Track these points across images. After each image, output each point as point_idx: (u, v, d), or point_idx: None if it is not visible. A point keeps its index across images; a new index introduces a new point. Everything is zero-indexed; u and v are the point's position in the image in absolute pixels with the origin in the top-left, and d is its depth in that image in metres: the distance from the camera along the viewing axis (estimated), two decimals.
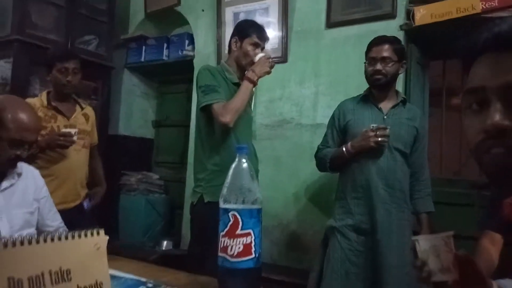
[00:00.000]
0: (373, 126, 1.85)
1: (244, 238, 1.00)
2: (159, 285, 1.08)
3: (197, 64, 3.27)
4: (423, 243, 0.84)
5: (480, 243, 1.49)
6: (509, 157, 0.58)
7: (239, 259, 0.99)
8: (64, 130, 2.24)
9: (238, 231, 1.00)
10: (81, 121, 2.41)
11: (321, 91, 2.77)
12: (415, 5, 2.47)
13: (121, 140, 3.80)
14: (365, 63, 2.00)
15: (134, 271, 1.20)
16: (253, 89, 2.06)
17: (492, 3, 2.20)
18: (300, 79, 2.86)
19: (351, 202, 1.94)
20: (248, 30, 2.05)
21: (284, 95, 2.92)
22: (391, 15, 2.54)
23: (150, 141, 4.09)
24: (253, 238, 1.01)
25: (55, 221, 1.68)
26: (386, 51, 1.93)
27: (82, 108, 2.45)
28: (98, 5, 3.51)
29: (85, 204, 2.42)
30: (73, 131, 2.23)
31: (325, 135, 2.12)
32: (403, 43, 2.16)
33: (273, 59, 2.11)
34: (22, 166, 1.56)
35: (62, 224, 1.72)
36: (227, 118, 1.87)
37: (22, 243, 0.56)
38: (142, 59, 3.72)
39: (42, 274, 0.57)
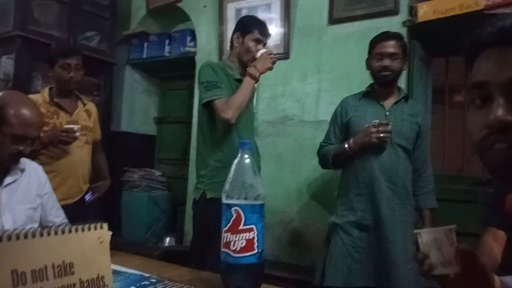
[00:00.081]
0: (375, 122, 1.84)
1: (247, 234, 1.00)
2: (162, 281, 1.08)
3: (199, 61, 3.26)
4: (425, 236, 0.84)
5: (483, 239, 1.49)
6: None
7: (242, 255, 0.99)
8: (66, 126, 2.24)
9: (241, 227, 1.00)
10: (83, 117, 2.41)
11: (323, 88, 2.77)
12: (418, 1, 2.46)
13: (123, 136, 3.80)
14: (367, 58, 1.99)
15: (137, 266, 1.20)
16: (255, 85, 2.06)
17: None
18: (303, 75, 2.86)
19: (353, 199, 1.94)
20: (250, 26, 2.05)
21: (286, 91, 2.92)
22: (394, 11, 2.53)
23: (152, 138, 4.09)
24: (256, 233, 1.01)
25: (58, 217, 1.68)
26: (394, 47, 1.92)
27: (84, 104, 2.45)
28: (100, 1, 3.51)
29: (87, 197, 2.43)
30: (75, 127, 2.23)
31: (327, 132, 2.12)
32: (406, 39, 2.15)
33: (275, 55, 2.11)
34: (25, 162, 1.57)
35: (65, 220, 1.72)
36: (229, 114, 1.87)
37: (26, 236, 0.56)
38: (144, 56, 3.72)
39: (45, 267, 0.57)
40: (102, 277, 0.65)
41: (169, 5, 3.53)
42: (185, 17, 3.53)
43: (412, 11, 2.46)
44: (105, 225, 0.69)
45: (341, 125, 2.04)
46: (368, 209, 1.89)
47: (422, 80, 2.69)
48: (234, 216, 1.00)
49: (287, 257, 2.77)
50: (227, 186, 1.04)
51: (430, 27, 2.46)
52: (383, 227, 1.85)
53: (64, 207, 1.78)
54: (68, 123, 2.29)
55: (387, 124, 1.83)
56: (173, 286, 1.04)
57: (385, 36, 1.95)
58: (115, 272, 1.12)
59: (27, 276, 0.55)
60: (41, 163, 1.81)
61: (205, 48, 3.34)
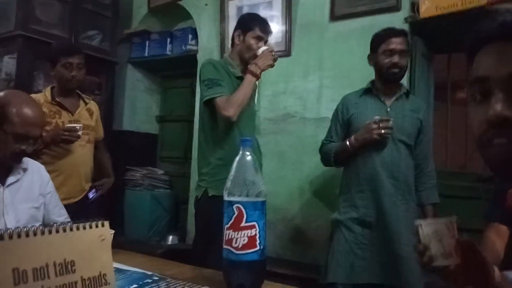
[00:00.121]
0: (376, 119, 1.84)
1: (249, 231, 1.00)
2: (164, 278, 1.09)
3: (201, 59, 3.26)
4: (425, 228, 0.84)
5: (485, 235, 1.48)
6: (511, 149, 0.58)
7: (244, 252, 0.99)
8: (68, 125, 2.25)
9: (243, 224, 1.00)
10: (85, 116, 2.41)
11: (325, 85, 2.76)
12: None
13: (125, 135, 3.81)
14: (372, 54, 1.97)
15: (140, 264, 1.21)
16: (257, 82, 2.06)
17: None
18: (304, 72, 2.85)
19: (356, 196, 1.94)
20: (251, 23, 2.04)
21: (288, 89, 2.91)
22: (396, 8, 2.51)
23: (154, 136, 4.10)
24: (258, 230, 1.01)
25: (60, 216, 1.69)
26: (402, 43, 1.91)
27: (86, 103, 2.45)
28: (102, 0, 3.51)
29: (91, 195, 2.43)
30: (77, 126, 2.23)
31: (329, 129, 2.12)
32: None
33: (277, 53, 2.10)
34: (28, 162, 1.57)
35: (68, 219, 1.73)
36: (231, 112, 1.87)
37: (27, 234, 0.56)
38: (146, 54, 3.72)
39: (47, 265, 0.57)
40: (104, 274, 0.65)
41: (171, 3, 3.53)
42: (186, 15, 3.52)
43: (414, 7, 2.45)
44: (107, 223, 0.69)
45: (343, 122, 2.03)
46: (370, 206, 1.89)
47: (424, 77, 2.68)
48: (236, 213, 1.01)
49: (289, 254, 2.77)
50: (228, 183, 1.04)
51: (432, 23, 2.45)
52: (386, 223, 1.85)
53: (67, 206, 1.79)
54: (70, 122, 2.29)
55: (388, 120, 1.83)
56: (175, 284, 1.04)
57: (394, 32, 1.94)
58: (117, 270, 1.12)
59: (28, 274, 0.55)
60: (44, 163, 1.81)
61: (206, 46, 3.34)
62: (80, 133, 2.22)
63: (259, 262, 1.02)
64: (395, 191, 1.88)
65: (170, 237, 3.33)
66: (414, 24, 2.48)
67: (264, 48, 2.01)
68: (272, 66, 2.02)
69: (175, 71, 3.92)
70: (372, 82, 2.03)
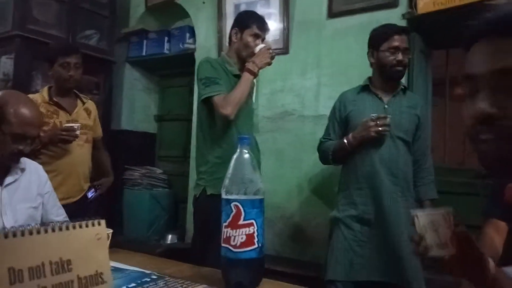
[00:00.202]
0: (373, 116, 1.83)
1: (247, 229, 1.00)
2: (162, 277, 1.09)
3: (199, 57, 3.25)
4: (422, 218, 0.84)
5: (484, 231, 1.49)
6: (499, 146, 0.60)
7: (242, 250, 0.99)
8: (66, 125, 2.24)
9: (241, 222, 1.00)
10: (83, 116, 2.41)
11: (323, 82, 2.76)
12: None
13: (124, 135, 3.81)
14: (373, 51, 1.96)
15: (139, 263, 1.21)
16: (254, 80, 2.05)
17: None
18: (302, 70, 2.85)
19: (354, 193, 1.94)
20: (248, 21, 2.04)
21: (286, 86, 2.91)
22: (393, 4, 2.51)
23: (152, 136, 4.10)
24: (256, 228, 1.01)
25: (59, 216, 1.68)
26: (406, 41, 1.91)
27: (83, 103, 2.45)
28: None
29: (89, 194, 2.43)
30: (75, 125, 2.23)
31: (327, 127, 2.11)
32: None
33: (275, 50, 2.10)
34: (25, 162, 1.57)
35: (66, 219, 1.72)
36: (228, 110, 1.87)
37: (22, 233, 0.56)
38: (144, 53, 3.71)
39: (43, 265, 0.57)
40: (101, 273, 0.65)
41: (168, 2, 3.52)
42: (184, 14, 3.52)
43: (412, 3, 2.45)
44: (103, 222, 0.69)
45: (340, 120, 2.03)
46: (369, 203, 1.89)
47: (422, 73, 2.68)
48: (234, 211, 1.00)
49: (288, 252, 2.77)
50: (226, 181, 1.04)
51: (430, 19, 2.44)
52: (385, 220, 1.85)
53: (66, 206, 1.79)
54: (68, 122, 2.29)
55: (385, 118, 1.82)
56: (173, 282, 1.04)
57: (398, 29, 1.93)
58: (116, 270, 1.12)
59: (24, 274, 0.55)
60: (42, 163, 1.81)
61: (204, 45, 3.33)
62: (78, 132, 2.22)
63: (257, 260, 1.01)
64: (394, 188, 1.88)
65: (169, 236, 3.33)
66: (412, 20, 2.47)
67: (261, 46, 2.01)
68: (269, 64, 2.02)
69: (173, 70, 3.92)
70: (369, 79, 2.02)
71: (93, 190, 2.48)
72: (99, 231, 0.67)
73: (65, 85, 2.32)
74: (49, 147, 2.22)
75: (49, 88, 2.35)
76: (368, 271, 1.85)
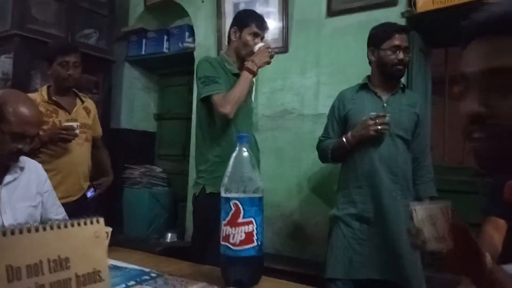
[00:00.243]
0: (372, 115, 1.83)
1: (246, 227, 1.00)
2: (162, 275, 1.09)
3: (198, 56, 3.25)
4: (420, 211, 0.84)
5: (483, 229, 1.49)
6: (490, 145, 0.61)
7: (241, 248, 1.00)
8: (66, 124, 2.24)
9: (240, 220, 1.00)
10: (82, 115, 2.41)
11: (322, 81, 2.76)
12: None
13: (123, 133, 3.81)
14: (374, 49, 1.96)
15: (138, 261, 1.21)
16: (253, 79, 2.05)
17: None
18: (301, 69, 2.85)
19: (354, 192, 1.93)
20: (247, 19, 2.04)
21: (286, 85, 2.91)
22: (393, 2, 2.51)
23: (152, 134, 4.10)
24: (255, 226, 1.01)
25: (58, 215, 1.69)
26: (407, 40, 1.91)
27: (82, 102, 2.44)
28: None
29: (89, 194, 2.43)
30: (75, 124, 2.23)
31: (326, 126, 2.10)
32: None
33: (274, 49, 2.10)
34: (25, 160, 1.57)
35: (66, 218, 1.73)
36: (227, 109, 1.87)
37: (21, 231, 0.56)
38: (143, 52, 3.71)
39: (41, 262, 0.57)
40: (99, 271, 0.65)
41: (167, 1, 3.52)
42: (183, 13, 3.51)
43: (411, 1, 2.44)
44: (101, 220, 0.69)
45: (339, 118, 2.03)
46: (369, 201, 1.89)
47: (422, 71, 2.68)
48: (233, 209, 1.01)
49: (288, 250, 2.77)
50: (225, 179, 1.05)
51: (429, 18, 2.44)
52: (385, 219, 1.85)
53: (65, 205, 1.79)
54: (67, 121, 2.29)
55: (384, 116, 1.82)
56: (173, 280, 1.04)
57: (399, 28, 1.93)
58: (115, 267, 1.12)
59: (22, 271, 0.55)
60: (42, 162, 1.81)
61: (203, 44, 3.33)
62: (77, 131, 2.22)
63: (256, 258, 1.02)
64: (394, 186, 1.88)
65: (169, 235, 3.34)
66: (411, 19, 2.47)
67: (260, 44, 2.01)
68: (268, 63, 2.01)
69: (172, 69, 3.91)
70: (368, 77, 2.02)
71: (92, 189, 2.48)
72: (97, 229, 0.67)
73: (64, 84, 2.32)
74: (48, 146, 2.22)
75: (48, 87, 2.34)
76: (367, 269, 1.85)
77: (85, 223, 0.65)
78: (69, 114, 2.34)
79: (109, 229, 1.13)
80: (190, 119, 3.37)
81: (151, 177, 3.59)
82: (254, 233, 1.01)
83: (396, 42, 1.89)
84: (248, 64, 1.96)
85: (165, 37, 3.60)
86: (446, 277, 1.94)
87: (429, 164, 2.01)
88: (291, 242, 2.79)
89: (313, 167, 2.71)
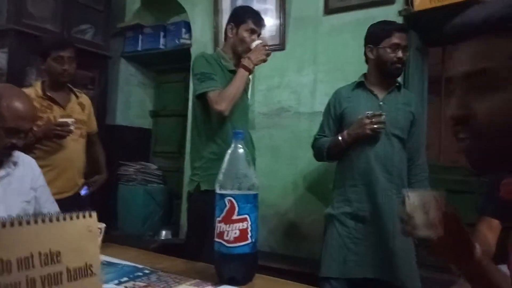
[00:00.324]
0: (368, 113, 1.83)
1: (240, 224, 1.00)
2: (155, 272, 1.08)
3: (195, 53, 3.25)
4: (412, 197, 0.83)
5: (477, 229, 1.49)
6: (474, 145, 0.63)
7: (236, 245, 0.99)
8: (60, 120, 2.23)
9: (234, 217, 0.99)
10: (77, 111, 2.39)
11: (319, 79, 2.76)
12: None
13: (119, 130, 3.79)
14: (373, 47, 1.95)
15: (132, 258, 1.20)
16: (250, 76, 2.05)
17: None
18: (298, 66, 2.84)
19: (349, 190, 1.93)
20: (244, 16, 2.03)
21: (282, 83, 2.90)
22: (390, 0, 2.51)
23: (148, 131, 4.08)
24: (250, 223, 1.01)
25: (52, 210, 1.67)
26: (405, 39, 1.91)
27: (77, 97, 2.43)
28: None
29: (82, 192, 2.42)
30: (69, 120, 2.21)
31: (321, 124, 2.10)
32: None
33: (271, 47, 2.10)
34: (19, 155, 1.56)
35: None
36: (223, 106, 1.86)
37: (12, 224, 0.55)
38: (139, 48, 3.70)
39: (32, 255, 0.56)
40: (90, 265, 0.64)
41: None
42: (180, 9, 3.50)
43: (408, 0, 2.44)
44: (94, 214, 0.68)
45: (335, 116, 2.02)
46: (364, 200, 1.89)
47: (419, 70, 2.68)
48: (228, 206, 1.00)
49: (283, 248, 2.77)
50: (220, 176, 1.04)
51: (426, 16, 2.44)
52: (380, 218, 1.85)
53: (60, 201, 1.77)
54: (62, 117, 2.27)
55: (380, 115, 1.82)
56: (166, 277, 1.04)
57: (398, 27, 1.93)
58: (108, 264, 1.12)
59: (13, 264, 0.54)
60: (36, 157, 1.80)
61: (200, 40, 3.32)
62: (72, 127, 2.21)
63: (250, 255, 1.01)
64: (389, 185, 1.88)
65: (164, 232, 3.33)
66: (408, 17, 2.47)
67: (257, 42, 2.00)
68: (265, 61, 2.01)
69: (169, 65, 3.90)
70: (365, 75, 2.02)
71: (86, 187, 2.46)
72: (90, 223, 0.66)
73: (59, 79, 2.30)
74: (43, 142, 2.20)
75: (43, 83, 2.32)
76: (362, 268, 1.85)
77: (77, 217, 0.65)
78: (64, 109, 2.32)
79: (103, 225, 1.12)
80: (186, 116, 3.36)
81: (146, 174, 3.58)
82: (249, 230, 1.00)
83: (396, 40, 1.89)
84: (245, 61, 1.95)
85: (162, 33, 3.58)
86: (441, 277, 1.94)
87: (424, 163, 2.01)
88: (286, 240, 2.79)
89: (309, 165, 2.71)
